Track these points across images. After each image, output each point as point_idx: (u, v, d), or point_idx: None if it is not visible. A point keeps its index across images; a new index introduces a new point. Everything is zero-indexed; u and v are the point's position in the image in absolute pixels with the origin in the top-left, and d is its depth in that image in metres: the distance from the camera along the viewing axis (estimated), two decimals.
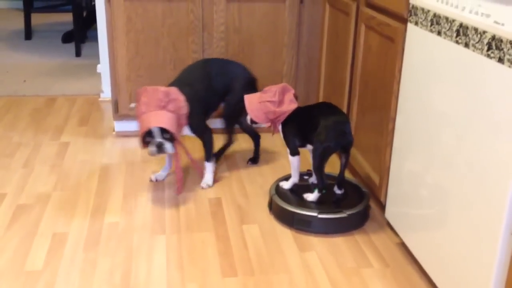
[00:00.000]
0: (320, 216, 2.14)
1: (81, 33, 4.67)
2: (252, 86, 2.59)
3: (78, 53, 4.49)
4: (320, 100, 2.94)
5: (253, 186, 2.52)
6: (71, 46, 4.67)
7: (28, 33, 4.97)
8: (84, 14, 5.02)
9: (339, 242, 2.12)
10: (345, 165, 2.24)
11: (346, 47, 2.49)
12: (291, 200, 2.25)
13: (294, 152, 2.29)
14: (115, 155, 2.80)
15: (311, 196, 2.23)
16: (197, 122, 2.44)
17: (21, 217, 2.22)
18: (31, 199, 2.36)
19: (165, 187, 2.50)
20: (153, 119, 2.24)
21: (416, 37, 1.80)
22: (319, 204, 2.21)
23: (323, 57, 2.86)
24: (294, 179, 2.34)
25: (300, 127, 2.26)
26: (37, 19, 5.36)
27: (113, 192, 2.42)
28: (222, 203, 2.38)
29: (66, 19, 5.52)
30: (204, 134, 2.49)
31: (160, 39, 2.85)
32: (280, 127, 2.33)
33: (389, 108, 2.03)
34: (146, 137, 2.27)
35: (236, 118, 2.62)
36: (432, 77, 1.71)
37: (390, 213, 2.08)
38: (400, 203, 1.98)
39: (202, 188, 2.48)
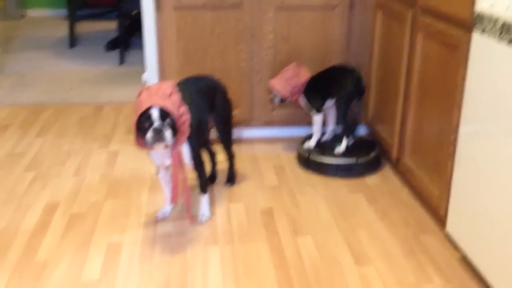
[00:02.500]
0: (359, 161, 2.66)
1: (125, 41, 4.72)
2: (226, 96, 2.45)
3: (122, 61, 4.53)
4: (371, 109, 2.88)
5: (304, 196, 2.48)
6: (115, 54, 4.72)
7: (73, 41, 5.06)
8: (128, 22, 5.07)
9: (398, 255, 2.06)
10: (358, 113, 2.79)
11: (400, 55, 2.43)
12: (328, 155, 2.69)
13: (320, 110, 2.75)
14: None
15: (341, 147, 2.70)
16: (197, 148, 2.18)
17: (75, 227, 2.23)
18: (84, 208, 2.37)
19: (215, 196, 2.48)
20: (153, 101, 1.94)
21: (483, 46, 1.74)
22: (346, 153, 2.69)
23: (374, 65, 2.81)
24: (318, 134, 2.79)
25: (321, 88, 2.71)
26: (81, 27, 5.45)
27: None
28: (274, 214, 2.35)
29: (109, 27, 5.60)
30: (201, 163, 2.22)
31: (208, 48, 2.85)
32: (301, 96, 2.75)
33: (451, 118, 1.97)
34: (142, 122, 1.94)
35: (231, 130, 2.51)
36: (501, 86, 1.65)
37: (453, 227, 2.01)
38: (464, 216, 1.91)
39: (201, 222, 2.26)
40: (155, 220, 2.28)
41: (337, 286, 1.89)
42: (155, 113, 1.94)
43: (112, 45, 4.93)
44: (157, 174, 2.27)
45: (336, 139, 2.78)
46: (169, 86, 2.02)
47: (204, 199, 2.30)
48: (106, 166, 2.76)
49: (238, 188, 2.56)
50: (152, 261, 2.03)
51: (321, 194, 2.50)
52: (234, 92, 2.91)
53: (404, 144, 2.44)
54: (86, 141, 3.06)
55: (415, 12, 2.29)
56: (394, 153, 2.56)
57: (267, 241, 2.15)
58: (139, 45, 4.90)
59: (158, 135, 1.94)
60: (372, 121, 2.88)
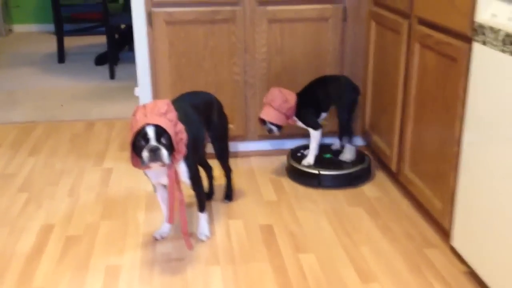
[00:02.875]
0: (367, 166, 2.71)
1: (114, 55, 4.67)
2: (222, 111, 2.42)
3: (112, 76, 4.48)
4: (367, 120, 2.86)
5: (304, 211, 2.44)
6: (105, 68, 4.67)
7: (61, 56, 5.00)
8: (116, 35, 5.02)
9: (403, 271, 2.02)
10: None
11: (396, 66, 2.41)
12: (338, 167, 2.68)
13: (317, 126, 2.68)
14: None
15: (348, 155, 2.71)
16: (194, 166, 2.14)
17: (71, 250, 2.17)
18: (79, 230, 2.31)
19: (213, 212, 2.44)
20: (148, 120, 1.90)
21: (485, 57, 1.72)
22: (344, 163, 2.70)
23: (369, 76, 2.78)
24: (315, 151, 2.71)
25: (312, 104, 2.67)
26: (69, 41, 5.39)
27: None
28: (274, 231, 2.30)
29: (97, 41, 5.55)
30: (198, 182, 2.18)
31: (201, 62, 2.81)
32: (295, 118, 2.69)
33: (453, 130, 1.95)
34: (138, 141, 1.90)
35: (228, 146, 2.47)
36: (506, 97, 1.63)
37: (458, 240, 1.98)
38: (470, 229, 1.88)
39: (202, 240, 2.22)
40: (154, 240, 2.23)
41: None
42: (150, 132, 1.89)
43: (102, 59, 4.88)
44: (155, 192, 2.22)
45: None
46: (165, 103, 1.98)
47: (203, 218, 2.26)
48: (100, 185, 2.70)
49: (236, 204, 2.51)
50: (152, 283, 1.97)
51: (320, 209, 2.46)
52: (228, 106, 2.87)
53: (404, 155, 2.41)
54: (79, 159, 3.00)
55: (411, 23, 2.27)
56: (393, 165, 2.54)
57: (268, 260, 2.11)
58: (129, 59, 4.87)
59: (154, 154, 1.90)
60: (368, 132, 2.85)
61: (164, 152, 1.91)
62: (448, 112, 1.99)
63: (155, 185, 2.19)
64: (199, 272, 2.03)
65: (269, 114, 2.61)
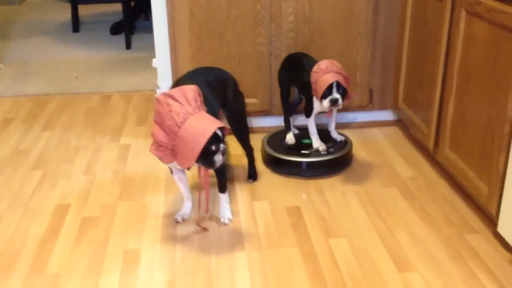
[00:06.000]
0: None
1: (130, 24, 4.50)
2: (238, 88, 2.28)
3: (128, 46, 4.31)
4: (400, 94, 2.67)
5: (333, 192, 2.29)
6: (120, 38, 4.50)
7: (76, 26, 4.83)
8: (132, 3, 4.84)
9: (443, 260, 1.87)
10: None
11: (438, 36, 2.21)
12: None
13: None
14: None
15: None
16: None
17: (88, 232, 2.05)
18: (96, 211, 2.19)
19: (237, 193, 2.29)
20: (208, 120, 1.78)
21: None
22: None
23: (404, 47, 2.58)
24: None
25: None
26: (83, 10, 5.22)
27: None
28: (302, 213, 2.16)
29: (112, 9, 5.37)
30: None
31: (224, 33, 2.63)
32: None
33: (505, 108, 1.76)
34: (210, 147, 1.78)
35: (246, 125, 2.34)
36: None
37: (505, 226, 1.81)
38: None
39: (225, 224, 2.09)
40: (175, 223, 2.10)
41: None
42: (220, 135, 1.81)
43: (117, 28, 4.70)
44: (171, 173, 2.07)
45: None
46: (196, 92, 1.81)
47: (224, 199, 2.12)
48: (118, 163, 2.57)
49: (261, 184, 2.37)
50: (174, 271, 1.85)
51: (351, 189, 2.31)
52: (252, 79, 2.70)
53: (443, 133, 2.23)
54: (95, 134, 2.86)
55: None
56: (430, 143, 2.36)
57: (298, 245, 1.96)
58: (146, 28, 4.69)
59: (224, 155, 1.84)
60: (401, 107, 2.67)
61: (224, 156, 1.84)
62: (499, 87, 1.79)
63: (171, 168, 2.05)
64: (223, 258, 1.90)
65: (343, 82, 2.28)
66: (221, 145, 1.81)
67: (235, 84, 2.25)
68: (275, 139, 2.60)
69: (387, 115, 2.89)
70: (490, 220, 1.98)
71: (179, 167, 1.94)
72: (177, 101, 1.76)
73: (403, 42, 2.58)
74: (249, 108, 2.75)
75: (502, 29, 1.76)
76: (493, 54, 1.83)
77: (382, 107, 2.85)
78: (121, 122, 3.01)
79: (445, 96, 2.19)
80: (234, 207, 2.20)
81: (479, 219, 2.08)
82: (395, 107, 2.76)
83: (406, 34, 2.55)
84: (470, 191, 2.05)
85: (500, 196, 1.83)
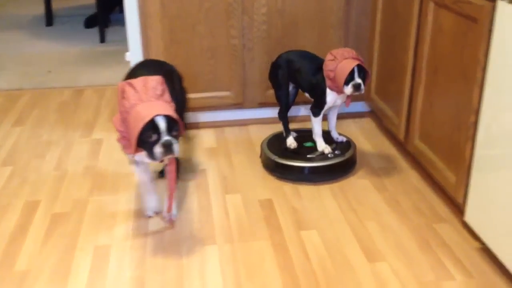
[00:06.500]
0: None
1: (104, 17, 4.44)
2: (182, 83, 2.25)
3: (102, 39, 4.26)
4: (373, 85, 2.68)
5: (305, 185, 2.30)
6: (95, 32, 4.45)
7: (49, 19, 4.76)
8: None
9: (413, 249, 1.89)
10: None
11: (408, 27, 2.22)
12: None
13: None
14: None
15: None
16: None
17: (57, 229, 2.03)
18: (67, 207, 2.17)
19: (209, 188, 2.29)
20: (155, 108, 1.68)
21: (510, 17, 1.53)
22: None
23: (376, 39, 2.60)
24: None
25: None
26: (57, 3, 5.14)
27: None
28: (275, 206, 2.16)
29: (87, 2, 5.30)
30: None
31: (196, 25, 2.61)
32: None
33: (471, 98, 1.78)
34: (146, 136, 1.68)
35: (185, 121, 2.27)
36: None
37: (472, 215, 1.84)
38: (485, 203, 1.74)
39: (170, 221, 2.03)
40: (146, 218, 2.09)
41: (349, 287, 1.72)
42: (162, 125, 1.68)
43: (92, 21, 4.64)
44: (135, 168, 2.00)
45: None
46: (158, 82, 1.76)
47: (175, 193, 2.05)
48: (89, 158, 2.54)
49: (234, 177, 2.36)
50: (144, 265, 1.84)
51: (324, 181, 2.31)
52: (226, 72, 2.69)
53: (413, 124, 2.25)
54: (67, 129, 2.83)
55: None
56: (401, 134, 2.38)
57: (269, 238, 1.97)
58: (121, 22, 4.63)
59: (168, 150, 1.70)
60: (374, 98, 2.68)
61: (176, 145, 1.71)
62: (465, 78, 1.81)
63: (135, 161, 1.97)
64: (194, 253, 1.90)
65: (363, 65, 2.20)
66: (164, 137, 1.69)
67: (180, 78, 2.21)
68: (275, 143, 2.45)
69: (360, 107, 2.91)
70: (459, 209, 2.01)
71: (146, 159, 1.91)
72: (134, 88, 1.72)
73: (375, 34, 2.59)
74: (222, 101, 2.75)
75: (468, 19, 1.77)
76: (459, 45, 1.84)
77: (356, 99, 2.85)
78: (93, 117, 2.97)
79: (415, 87, 2.20)
80: (206, 201, 2.19)
81: (448, 208, 2.11)
82: (367, 99, 2.78)
83: (378, 26, 2.56)
84: (439, 181, 2.07)
85: (467, 186, 1.85)
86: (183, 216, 2.10)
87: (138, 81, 1.75)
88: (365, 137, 2.70)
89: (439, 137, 2.04)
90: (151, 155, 1.72)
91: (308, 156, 2.33)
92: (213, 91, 2.73)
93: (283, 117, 2.47)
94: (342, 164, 2.32)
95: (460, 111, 1.86)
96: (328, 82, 2.24)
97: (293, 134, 2.50)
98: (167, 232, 2.01)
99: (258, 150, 2.56)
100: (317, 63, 2.32)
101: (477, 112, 1.75)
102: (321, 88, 2.28)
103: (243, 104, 2.78)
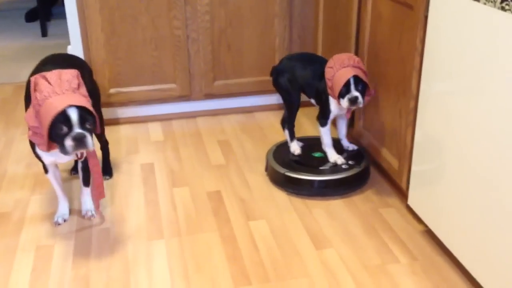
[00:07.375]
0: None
1: (46, 10, 4.30)
2: (92, 77, 2.17)
3: (44, 33, 4.13)
4: None
5: (254, 175, 2.29)
6: (36, 25, 4.30)
7: None
8: None
9: (359, 235, 1.91)
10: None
11: (349, 15, 2.24)
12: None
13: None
14: None
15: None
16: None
17: None
18: (8, 207, 2.09)
19: (157, 182, 2.25)
20: (68, 99, 1.61)
21: (444, 4, 1.57)
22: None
23: (320, 28, 2.61)
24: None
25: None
26: None
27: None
28: (223, 197, 2.15)
29: None
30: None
31: (138, 16, 2.55)
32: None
33: (409, 84, 1.81)
34: (57, 128, 1.61)
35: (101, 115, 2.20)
36: (466, 48, 1.49)
37: (414, 199, 1.88)
38: (427, 187, 1.78)
39: (89, 219, 2.00)
40: (55, 226, 1.97)
41: (298, 276, 1.73)
42: (74, 116, 1.62)
43: (33, 15, 4.49)
44: (46, 173, 1.94)
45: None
46: (74, 76, 1.69)
47: (87, 193, 2.01)
48: (31, 156, 2.44)
49: (181, 170, 2.34)
50: (88, 264, 1.79)
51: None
52: (170, 64, 2.65)
53: (358, 112, 2.28)
54: (7, 127, 2.73)
55: None
56: None
57: (217, 229, 1.95)
58: (63, 14, 4.48)
59: (80, 143, 1.63)
60: None
61: (89, 139, 1.65)
62: (404, 64, 1.84)
63: (47, 165, 1.91)
64: (140, 248, 1.86)
65: (362, 76, 2.00)
66: (76, 130, 1.62)
67: (90, 71, 2.14)
68: (281, 155, 2.26)
69: None
70: (403, 194, 2.05)
71: (60, 158, 1.83)
72: (47, 81, 1.65)
73: (318, 22, 2.61)
74: (168, 94, 2.71)
75: (404, 6, 1.80)
76: (397, 32, 1.87)
77: None
78: None
79: None
80: (153, 195, 2.16)
81: (394, 193, 2.15)
82: None
83: (321, 15, 2.57)
84: (384, 167, 2.11)
85: (409, 171, 1.89)
86: (129, 211, 2.06)
87: (52, 74, 1.67)
88: (312, 127, 2.71)
89: (382, 124, 2.07)
90: (63, 149, 1.65)
91: (320, 168, 2.14)
92: (158, 83, 2.68)
93: (289, 124, 2.29)
94: (359, 175, 2.14)
95: (400, 97, 1.89)
96: (328, 90, 2.07)
97: (299, 143, 2.32)
98: (112, 229, 1.96)
99: (206, 142, 2.54)
100: (322, 67, 2.11)
101: (416, 98, 1.79)
102: (326, 95, 2.11)
103: (190, 96, 2.75)
